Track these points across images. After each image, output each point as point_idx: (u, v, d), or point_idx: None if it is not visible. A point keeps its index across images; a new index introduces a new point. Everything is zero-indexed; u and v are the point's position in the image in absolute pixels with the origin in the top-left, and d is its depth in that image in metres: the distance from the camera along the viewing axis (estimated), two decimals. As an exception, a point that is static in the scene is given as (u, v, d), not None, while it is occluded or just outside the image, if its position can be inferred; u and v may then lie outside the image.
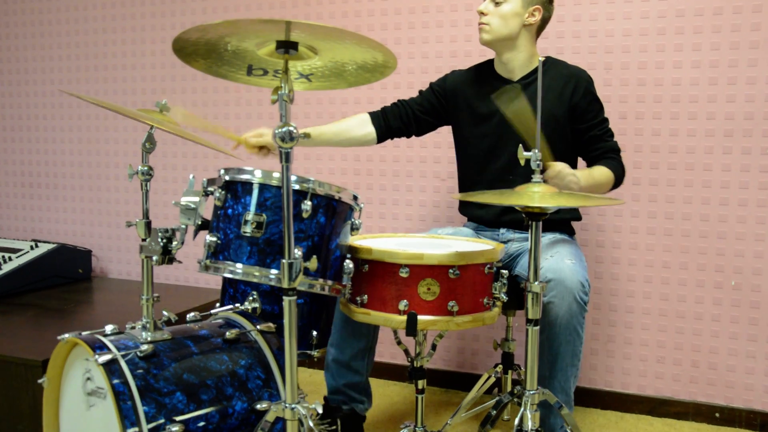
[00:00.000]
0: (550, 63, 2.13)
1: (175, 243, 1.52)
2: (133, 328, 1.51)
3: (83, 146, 3.28)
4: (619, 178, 2.05)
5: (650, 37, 2.34)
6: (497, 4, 2.04)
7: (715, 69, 2.28)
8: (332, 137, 2.18)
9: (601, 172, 2.00)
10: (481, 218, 2.21)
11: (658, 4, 2.32)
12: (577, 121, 2.08)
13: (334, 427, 2.00)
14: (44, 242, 3.06)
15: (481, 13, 2.07)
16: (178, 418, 1.34)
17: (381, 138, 2.22)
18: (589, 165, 2.10)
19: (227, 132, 2.03)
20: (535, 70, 2.11)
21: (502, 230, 2.16)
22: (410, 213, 2.72)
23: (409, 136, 2.27)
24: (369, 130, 2.20)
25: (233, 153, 1.84)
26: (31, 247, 2.99)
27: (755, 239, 2.28)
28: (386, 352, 2.76)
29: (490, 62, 2.21)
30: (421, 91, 2.27)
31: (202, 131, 1.98)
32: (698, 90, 2.30)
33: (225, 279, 1.76)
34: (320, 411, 1.40)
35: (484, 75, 2.20)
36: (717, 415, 2.36)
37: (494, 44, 2.09)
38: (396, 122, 2.22)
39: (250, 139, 2.00)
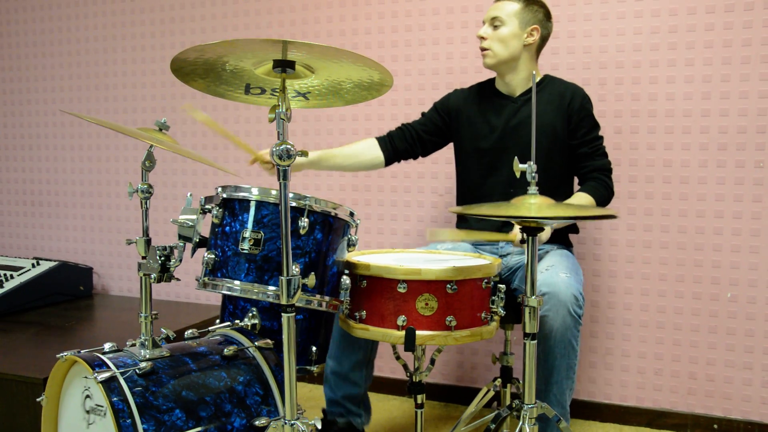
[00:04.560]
0: (549, 80, 2.18)
1: (173, 261, 1.54)
2: (133, 345, 1.52)
3: (84, 165, 3.31)
4: (602, 201, 2.08)
5: (643, 53, 2.37)
6: (495, 27, 2.08)
7: (708, 84, 2.30)
8: (342, 161, 2.23)
9: (579, 203, 2.03)
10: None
11: (651, 20, 2.35)
12: (569, 136, 2.11)
13: None
14: (46, 260, 3.08)
15: (481, 38, 2.11)
16: (177, 435, 1.35)
17: (389, 161, 2.27)
18: (579, 182, 2.14)
19: (246, 145, 2.05)
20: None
21: (502, 243, 2.18)
22: (408, 228, 2.74)
23: (416, 158, 2.32)
24: (377, 153, 2.25)
25: (231, 171, 1.87)
26: (33, 265, 3.01)
27: (750, 251, 2.29)
28: (385, 366, 2.76)
29: (492, 80, 2.26)
30: (423, 113, 2.31)
31: (222, 137, 2.05)
32: (692, 104, 2.33)
33: (225, 295, 1.78)
34: (319, 426, 1.41)
35: (486, 92, 2.25)
36: (715, 426, 2.36)
37: (497, 67, 2.14)
38: (402, 144, 2.26)
39: (266, 156, 2.03)
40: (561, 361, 1.83)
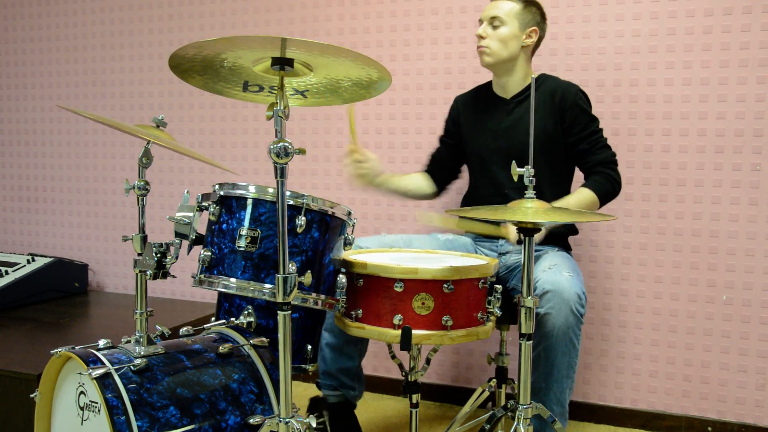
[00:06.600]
0: (542, 79, 2.17)
1: (169, 258, 1.53)
2: (128, 342, 1.51)
3: (81, 161, 3.30)
4: (606, 194, 2.06)
5: (642, 55, 2.37)
6: (495, 27, 2.08)
7: (706, 86, 2.31)
8: (395, 188, 2.28)
9: (580, 199, 2.02)
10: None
11: (649, 23, 2.36)
12: (565, 134, 2.10)
13: (322, 419, 2.01)
14: (41, 256, 3.07)
15: (480, 37, 2.10)
16: (171, 432, 1.35)
17: (438, 193, 2.39)
18: (584, 178, 2.12)
19: (354, 133, 2.07)
20: (527, 88, 2.15)
21: (501, 241, 2.18)
22: (405, 228, 2.73)
23: (457, 177, 2.41)
24: (430, 187, 2.35)
25: (229, 168, 1.86)
26: (28, 261, 3.00)
27: (746, 254, 2.30)
28: (381, 366, 2.76)
29: (489, 83, 2.27)
30: (441, 138, 2.36)
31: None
32: (689, 107, 2.33)
33: (220, 293, 1.77)
34: (314, 425, 1.41)
35: (482, 95, 2.27)
36: (709, 429, 2.36)
37: (495, 66, 2.13)
38: (444, 175, 2.36)
39: (367, 157, 2.10)
40: (562, 359, 1.82)
